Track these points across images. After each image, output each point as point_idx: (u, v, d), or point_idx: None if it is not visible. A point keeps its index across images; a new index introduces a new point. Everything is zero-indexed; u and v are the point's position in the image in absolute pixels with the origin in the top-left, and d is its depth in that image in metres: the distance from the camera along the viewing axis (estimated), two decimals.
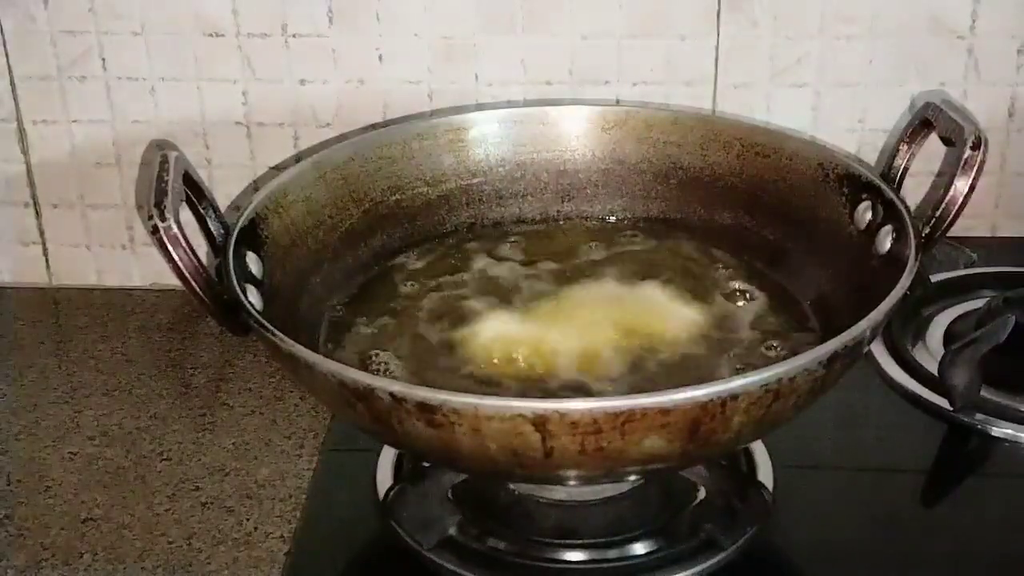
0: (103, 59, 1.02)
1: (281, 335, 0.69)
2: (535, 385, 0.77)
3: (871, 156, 1.04)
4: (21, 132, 1.05)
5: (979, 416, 0.88)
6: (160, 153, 0.78)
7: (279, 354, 0.70)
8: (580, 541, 0.78)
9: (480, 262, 0.91)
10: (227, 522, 0.82)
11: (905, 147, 0.86)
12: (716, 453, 0.77)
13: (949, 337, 0.96)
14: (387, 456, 0.84)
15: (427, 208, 0.93)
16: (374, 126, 1.03)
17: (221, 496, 0.84)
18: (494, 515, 0.79)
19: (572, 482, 0.77)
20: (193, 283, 0.73)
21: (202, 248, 0.78)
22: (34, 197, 1.07)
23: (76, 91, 1.03)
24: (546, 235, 0.94)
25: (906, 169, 0.86)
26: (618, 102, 1.02)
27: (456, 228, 0.94)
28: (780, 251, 0.88)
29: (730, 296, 0.86)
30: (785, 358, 0.66)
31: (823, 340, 0.69)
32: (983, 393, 0.87)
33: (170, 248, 0.72)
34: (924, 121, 0.85)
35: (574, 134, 0.94)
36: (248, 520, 0.82)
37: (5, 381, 0.98)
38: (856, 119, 1.04)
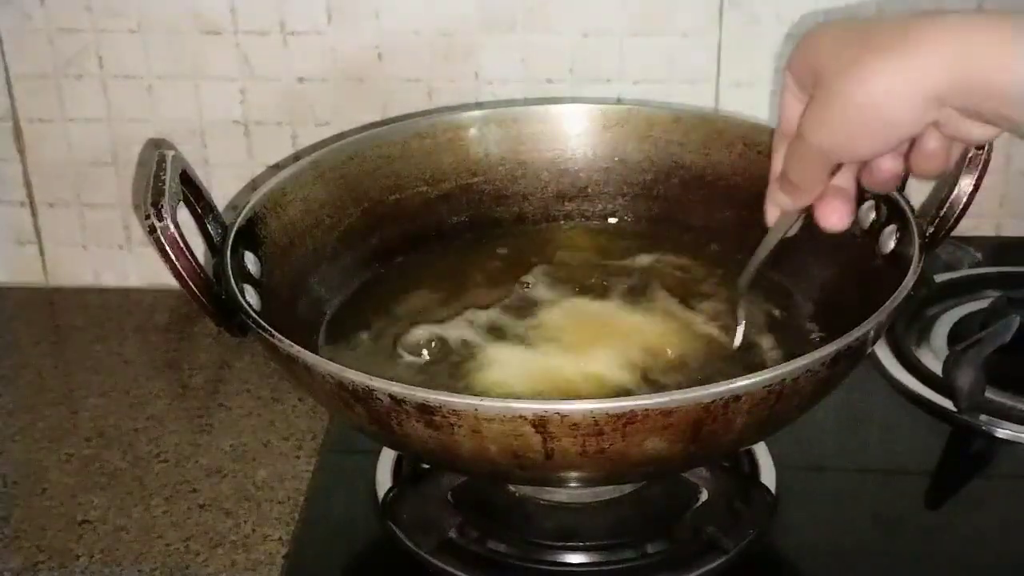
0: (100, 57, 1.02)
1: (279, 336, 0.68)
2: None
3: None
4: (17, 131, 1.04)
5: (983, 417, 0.87)
6: (157, 152, 0.77)
7: (277, 355, 0.70)
8: (581, 544, 0.78)
9: (480, 262, 0.90)
10: (225, 524, 0.82)
11: None
12: (718, 455, 0.77)
13: (953, 337, 0.96)
14: (386, 458, 0.84)
15: (427, 208, 0.92)
16: (373, 125, 1.02)
17: (219, 498, 0.84)
18: (494, 517, 0.79)
19: (573, 484, 0.76)
20: (190, 283, 0.72)
21: (200, 248, 0.77)
22: (30, 196, 1.07)
23: (73, 89, 1.03)
24: (547, 235, 0.94)
25: None
26: (619, 100, 1.02)
27: (456, 228, 0.93)
28: (783, 251, 0.87)
29: (732, 296, 0.85)
30: (788, 359, 0.66)
31: (826, 340, 0.68)
32: (987, 394, 0.87)
33: (167, 248, 0.71)
34: None
35: (575, 133, 0.94)
36: (246, 522, 0.82)
37: (1, 382, 0.97)
38: None
